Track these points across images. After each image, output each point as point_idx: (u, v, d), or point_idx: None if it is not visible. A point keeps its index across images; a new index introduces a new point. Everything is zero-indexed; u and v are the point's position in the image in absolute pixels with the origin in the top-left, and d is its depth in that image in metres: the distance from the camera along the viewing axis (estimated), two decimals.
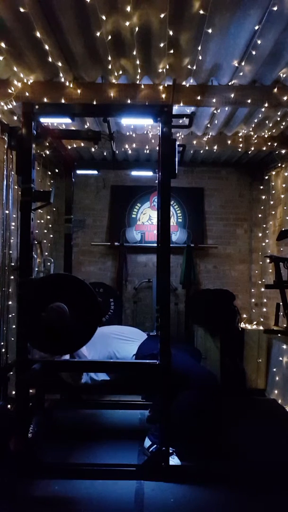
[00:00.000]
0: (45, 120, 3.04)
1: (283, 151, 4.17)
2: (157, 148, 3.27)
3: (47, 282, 2.59)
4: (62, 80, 2.98)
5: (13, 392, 2.75)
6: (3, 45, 2.57)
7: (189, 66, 2.82)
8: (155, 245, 2.98)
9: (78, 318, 2.40)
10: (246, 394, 4.20)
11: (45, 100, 2.97)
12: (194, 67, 2.82)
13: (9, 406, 3.10)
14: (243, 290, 5.18)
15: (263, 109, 3.26)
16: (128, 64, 2.83)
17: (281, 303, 3.62)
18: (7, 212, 3.48)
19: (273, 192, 4.70)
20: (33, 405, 2.88)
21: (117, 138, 4.06)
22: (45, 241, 4.72)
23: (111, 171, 5.21)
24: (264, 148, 4.11)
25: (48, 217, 4.88)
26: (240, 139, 4.08)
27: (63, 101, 2.99)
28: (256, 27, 2.37)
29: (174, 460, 2.52)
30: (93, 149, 4.40)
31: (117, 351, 2.80)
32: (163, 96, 3.03)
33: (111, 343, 2.84)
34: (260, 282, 5.02)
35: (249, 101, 3.02)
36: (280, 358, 4.01)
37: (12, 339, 3.40)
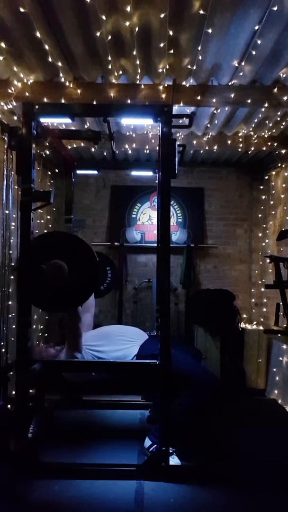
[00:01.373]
0: (45, 120, 3.04)
1: (283, 151, 4.17)
2: (157, 148, 3.27)
3: (47, 240, 2.57)
4: (62, 80, 2.98)
5: (13, 392, 2.75)
6: (3, 45, 2.57)
7: (189, 66, 2.82)
8: (155, 245, 2.98)
9: (76, 276, 2.39)
10: (246, 394, 4.20)
11: (45, 100, 2.97)
12: (194, 67, 2.82)
13: (9, 406, 3.10)
14: (243, 290, 5.18)
15: (263, 109, 3.26)
16: (128, 64, 2.83)
17: (281, 303, 3.62)
18: (7, 212, 3.48)
19: (273, 192, 4.70)
20: (33, 405, 2.88)
21: (117, 138, 4.06)
22: None
23: (111, 171, 5.21)
24: (264, 148, 4.11)
25: (48, 217, 4.88)
26: (240, 139, 4.08)
27: (63, 101, 2.99)
28: (256, 27, 2.37)
29: (174, 460, 2.52)
30: (93, 149, 4.40)
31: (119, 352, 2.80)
32: (163, 96, 3.03)
33: (114, 344, 2.84)
34: (260, 282, 5.02)
35: (249, 101, 3.02)
36: (280, 358, 4.01)
37: (12, 339, 3.40)
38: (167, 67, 2.83)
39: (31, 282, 2.42)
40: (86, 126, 3.84)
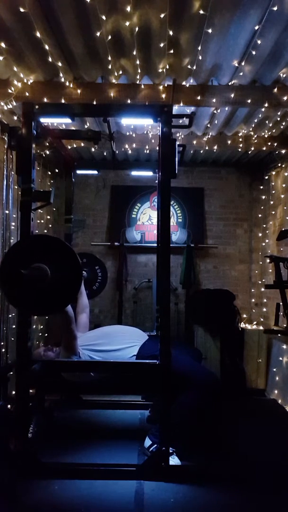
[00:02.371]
0: (45, 120, 3.04)
1: (283, 151, 4.17)
2: (157, 148, 3.27)
3: (28, 243, 2.53)
4: (62, 80, 2.98)
5: (13, 392, 2.75)
6: (3, 45, 2.57)
7: (189, 66, 2.82)
8: (155, 245, 2.98)
9: (59, 279, 2.38)
10: (246, 394, 4.20)
11: (45, 100, 2.97)
12: (194, 67, 2.82)
13: (9, 406, 3.10)
14: (243, 290, 5.18)
15: (263, 109, 3.26)
16: (128, 64, 2.83)
17: (281, 303, 3.61)
18: (7, 212, 3.48)
19: (273, 192, 4.70)
20: (33, 405, 2.88)
21: (117, 138, 4.06)
22: None
23: (111, 171, 5.21)
24: (264, 148, 4.11)
25: (48, 217, 4.89)
26: (240, 139, 4.08)
27: (63, 101, 2.99)
28: (256, 27, 2.37)
29: (174, 460, 2.52)
30: (93, 149, 4.40)
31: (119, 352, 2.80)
32: (163, 96, 3.03)
33: (113, 343, 2.84)
34: (260, 282, 5.02)
35: (249, 101, 3.02)
36: (280, 358, 4.01)
37: (12, 339, 3.40)
38: (167, 67, 2.83)
39: (13, 286, 2.39)
40: (86, 126, 3.84)
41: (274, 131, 3.90)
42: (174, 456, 2.54)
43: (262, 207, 5.07)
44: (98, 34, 2.46)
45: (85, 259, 4.65)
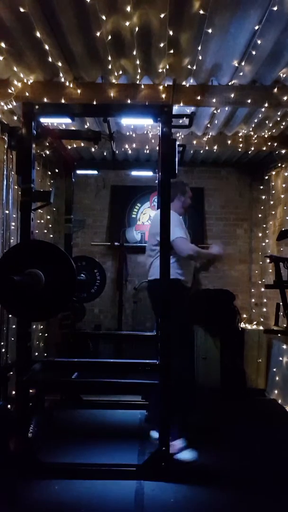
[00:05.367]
0: (45, 120, 3.04)
1: (283, 151, 4.17)
2: (157, 148, 3.27)
3: (22, 249, 2.52)
4: (62, 80, 2.98)
5: (13, 392, 2.75)
6: (3, 45, 2.57)
7: (189, 66, 2.82)
8: None
9: (54, 286, 2.36)
10: (246, 394, 4.19)
11: (45, 100, 2.97)
12: (194, 67, 2.82)
13: (9, 406, 3.10)
14: (243, 290, 5.18)
15: (263, 109, 3.26)
16: (128, 64, 2.83)
17: (281, 303, 3.61)
18: (7, 212, 3.48)
19: (273, 192, 4.70)
20: (33, 405, 2.88)
21: (117, 138, 4.05)
22: None
23: (111, 171, 5.21)
24: (264, 148, 4.11)
25: (48, 217, 4.88)
26: (240, 139, 4.08)
27: (63, 101, 2.99)
28: (256, 27, 2.37)
29: (188, 454, 2.50)
30: (93, 149, 4.40)
31: None
32: (163, 96, 3.03)
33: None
34: (260, 282, 5.02)
35: (249, 101, 3.02)
36: (280, 358, 4.01)
37: (12, 339, 3.40)
38: (167, 67, 2.83)
39: (6, 292, 2.38)
40: (86, 126, 3.84)
41: (274, 131, 3.90)
42: (187, 450, 2.51)
43: (262, 207, 5.07)
44: (98, 34, 2.46)
45: (84, 262, 4.65)
